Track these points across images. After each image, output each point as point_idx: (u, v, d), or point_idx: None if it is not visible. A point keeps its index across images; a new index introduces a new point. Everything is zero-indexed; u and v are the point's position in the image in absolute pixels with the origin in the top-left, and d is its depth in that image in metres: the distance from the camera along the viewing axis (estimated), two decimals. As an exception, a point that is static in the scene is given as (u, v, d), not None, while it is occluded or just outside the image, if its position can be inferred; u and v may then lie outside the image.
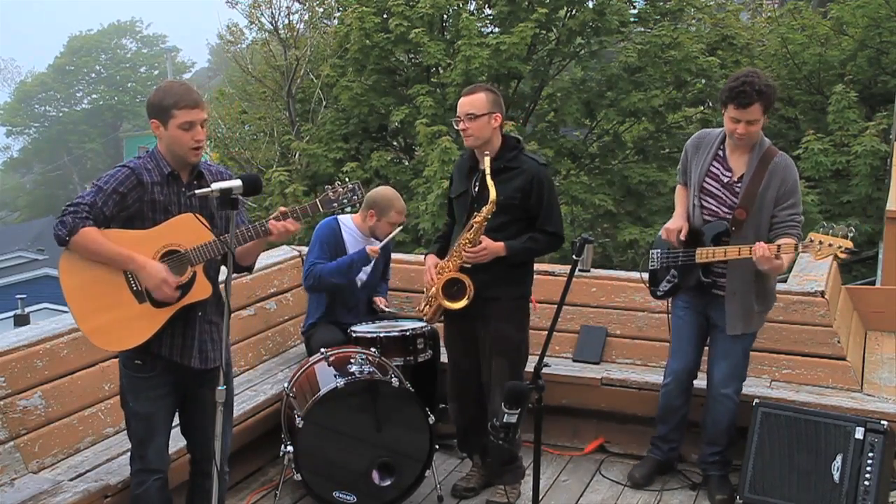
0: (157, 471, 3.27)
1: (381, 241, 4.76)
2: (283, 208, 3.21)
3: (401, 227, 4.73)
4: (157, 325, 3.13)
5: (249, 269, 3.47)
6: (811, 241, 3.72)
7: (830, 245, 3.67)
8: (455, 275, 4.05)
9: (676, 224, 4.14)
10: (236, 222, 3.20)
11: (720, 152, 4.09)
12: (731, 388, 4.16)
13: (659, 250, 4.28)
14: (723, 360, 4.16)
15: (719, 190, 4.05)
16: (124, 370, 3.27)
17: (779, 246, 3.77)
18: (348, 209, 3.29)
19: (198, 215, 3.15)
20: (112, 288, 3.09)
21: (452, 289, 4.06)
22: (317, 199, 3.25)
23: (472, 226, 3.97)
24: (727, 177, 4.04)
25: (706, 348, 4.30)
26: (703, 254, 4.02)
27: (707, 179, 4.08)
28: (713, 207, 4.06)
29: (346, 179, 3.31)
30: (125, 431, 3.96)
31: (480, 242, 3.96)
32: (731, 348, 4.13)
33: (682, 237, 4.09)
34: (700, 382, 4.33)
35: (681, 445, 4.43)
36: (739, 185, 4.00)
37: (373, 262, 4.83)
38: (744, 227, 3.96)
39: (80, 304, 3.12)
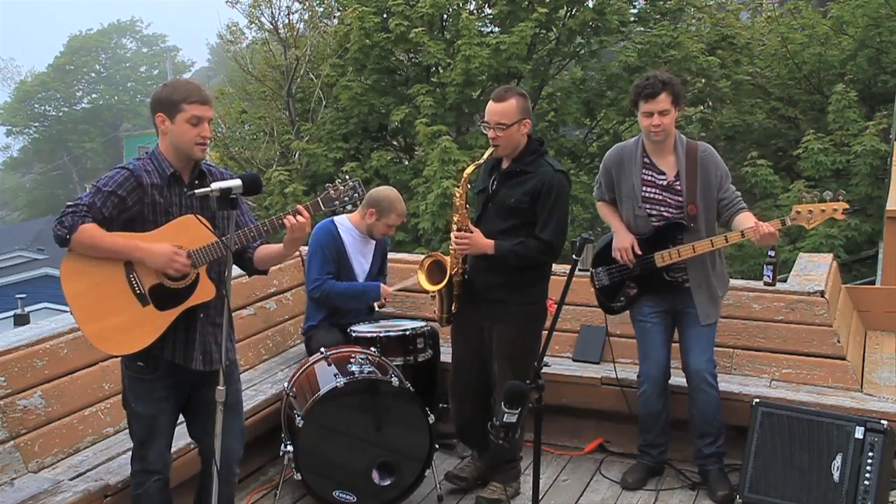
0: (157, 472, 3.27)
1: (376, 240, 4.83)
2: (300, 206, 3.19)
3: (412, 280, 4.74)
4: (162, 328, 3.11)
5: (265, 272, 3.46)
6: (798, 213, 3.79)
7: (823, 211, 3.68)
8: (439, 257, 4.12)
9: (626, 241, 4.18)
10: (244, 221, 3.23)
11: (646, 160, 4.17)
12: (710, 373, 4.20)
13: (602, 268, 4.35)
14: (697, 346, 4.21)
15: (660, 194, 4.13)
16: (126, 372, 3.25)
17: (781, 220, 3.90)
18: (349, 207, 3.29)
19: (199, 216, 3.13)
20: (115, 291, 3.08)
21: (436, 271, 4.13)
22: (318, 198, 3.23)
23: (457, 209, 4.01)
24: (662, 179, 4.13)
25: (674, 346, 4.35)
26: (663, 257, 4.11)
27: (644, 188, 4.16)
28: (659, 212, 4.14)
29: (347, 177, 3.30)
30: (125, 431, 3.98)
31: (469, 231, 3.98)
32: (703, 335, 4.20)
33: (638, 251, 4.16)
34: (677, 380, 4.34)
35: (668, 446, 4.44)
36: (678, 183, 4.09)
37: (370, 263, 4.85)
38: (697, 219, 4.08)
39: (82, 309, 3.10)
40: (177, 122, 3.10)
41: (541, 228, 3.96)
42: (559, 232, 3.98)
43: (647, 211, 4.14)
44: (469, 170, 4.04)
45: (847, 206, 3.74)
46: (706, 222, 4.08)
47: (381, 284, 4.77)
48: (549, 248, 3.97)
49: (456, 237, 4.00)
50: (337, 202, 3.23)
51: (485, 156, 4.05)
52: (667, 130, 4.05)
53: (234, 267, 3.26)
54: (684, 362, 4.27)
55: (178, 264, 3.06)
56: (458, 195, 4.03)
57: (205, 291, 3.14)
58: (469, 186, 4.07)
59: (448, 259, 4.10)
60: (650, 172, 4.15)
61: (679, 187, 4.08)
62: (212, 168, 3.29)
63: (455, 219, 4.03)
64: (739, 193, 4.15)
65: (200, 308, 3.17)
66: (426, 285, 4.17)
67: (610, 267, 4.31)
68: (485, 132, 4.02)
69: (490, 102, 3.97)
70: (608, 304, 4.40)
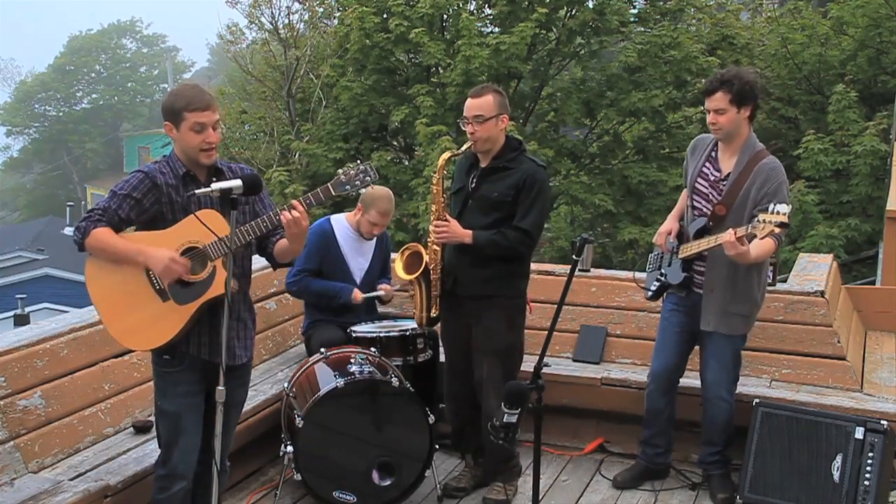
0: (181, 477, 3.30)
1: (367, 239, 4.82)
2: (294, 200, 3.20)
3: (382, 293, 4.82)
4: (183, 322, 3.17)
5: (289, 265, 3.54)
6: (758, 221, 3.62)
7: (770, 222, 3.55)
8: (418, 248, 4.16)
9: (665, 227, 4.28)
10: (268, 213, 3.25)
11: (713, 153, 4.16)
12: (722, 389, 4.18)
13: (654, 253, 4.39)
14: (712, 361, 4.19)
15: (707, 188, 4.13)
16: (154, 367, 3.33)
17: (746, 226, 3.72)
18: (362, 191, 3.27)
19: (199, 213, 3.16)
20: (136, 289, 3.16)
21: (414, 263, 4.17)
22: (328, 184, 3.21)
23: (434, 197, 4.04)
24: (715, 176, 4.11)
25: (695, 350, 4.33)
26: (685, 249, 4.11)
27: (699, 180, 4.16)
28: (701, 206, 4.13)
29: (358, 161, 3.28)
30: (125, 431, 4.01)
31: (447, 219, 4.00)
32: (720, 350, 4.15)
33: (672, 238, 4.20)
34: (694, 382, 4.35)
35: (668, 451, 4.43)
36: (725, 182, 4.06)
37: (370, 261, 4.86)
38: (724, 223, 3.96)
39: (107, 308, 3.21)
40: (182, 131, 3.17)
41: (520, 218, 4.00)
42: (538, 223, 4.05)
43: (695, 203, 4.15)
44: (445, 156, 4.09)
45: (783, 220, 3.52)
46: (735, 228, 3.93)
47: (355, 289, 4.75)
48: (528, 237, 4.03)
49: (435, 225, 4.02)
50: (348, 186, 3.20)
51: (462, 148, 4.08)
52: (725, 129, 4.00)
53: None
54: (701, 373, 4.28)
55: (172, 271, 3.12)
56: (434, 182, 4.05)
57: (223, 284, 3.14)
58: (446, 173, 4.10)
59: (422, 249, 4.14)
60: (710, 167, 4.14)
61: (723, 187, 4.05)
62: (231, 166, 3.34)
63: (433, 208, 4.06)
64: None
65: (223, 302, 3.17)
66: (402, 274, 4.19)
67: (657, 254, 4.36)
68: (463, 128, 4.06)
69: (468, 99, 4.04)
70: (645, 289, 4.40)
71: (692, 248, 4.07)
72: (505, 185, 4.01)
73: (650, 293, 4.32)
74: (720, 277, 4.05)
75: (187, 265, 3.13)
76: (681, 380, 4.37)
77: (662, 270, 4.25)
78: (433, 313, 4.18)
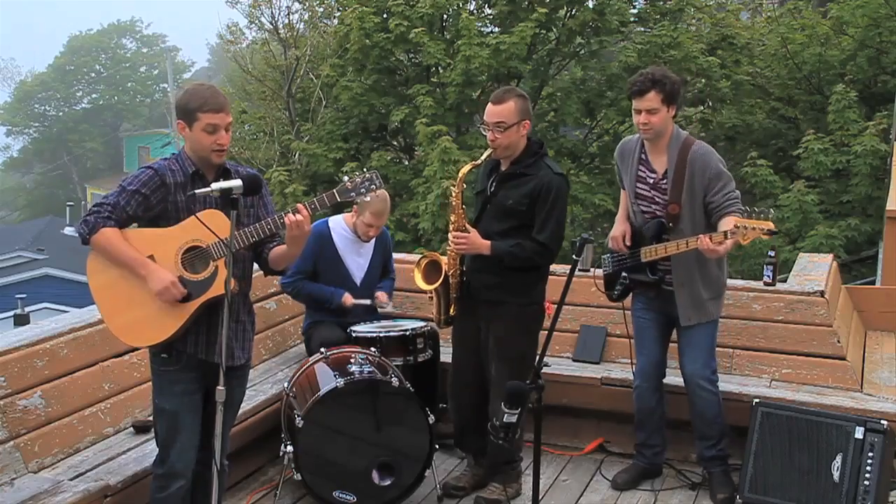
0: (179, 476, 3.30)
1: (364, 241, 4.82)
2: (299, 204, 3.23)
3: (368, 301, 4.78)
4: (182, 321, 3.18)
5: (281, 272, 3.52)
6: (736, 227, 3.75)
7: (754, 229, 3.70)
8: (436, 257, 4.15)
9: (618, 231, 4.27)
10: (272, 216, 3.28)
11: (642, 155, 4.18)
12: (704, 378, 4.19)
13: (610, 255, 4.39)
14: (689, 350, 4.21)
15: (649, 191, 4.15)
16: (152, 366, 3.34)
17: (724, 233, 3.82)
18: (367, 198, 3.31)
19: (202, 213, 3.16)
20: (138, 285, 3.17)
21: (432, 271, 4.16)
22: (334, 190, 3.26)
23: (454, 209, 4.02)
24: (652, 178, 4.13)
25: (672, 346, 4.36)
26: (648, 252, 4.12)
27: (638, 184, 4.18)
28: (650, 209, 4.15)
29: (364, 169, 3.32)
30: (125, 431, 4.01)
31: (466, 230, 3.98)
32: (695, 339, 4.17)
33: (628, 242, 4.21)
34: (674, 380, 4.35)
35: (665, 449, 4.44)
36: (665, 182, 4.07)
37: (369, 262, 4.85)
38: (680, 220, 4.03)
39: (107, 303, 3.22)
40: (194, 130, 3.20)
41: (538, 230, 3.96)
42: (556, 234, 3.99)
43: (641, 207, 4.17)
44: (465, 169, 4.05)
45: (771, 227, 3.69)
46: (692, 224, 4.02)
47: (345, 293, 4.75)
48: (546, 250, 3.98)
49: (454, 237, 4.01)
50: (353, 193, 3.25)
51: (482, 157, 4.05)
52: (655, 129, 4.02)
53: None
54: (680, 366, 4.28)
55: (169, 294, 3.14)
56: (454, 195, 4.03)
57: (223, 285, 3.14)
58: (465, 186, 4.07)
59: (444, 259, 4.12)
60: (644, 169, 4.16)
61: (665, 186, 4.07)
62: (238, 168, 3.36)
63: (452, 219, 4.04)
64: (737, 196, 4.00)
65: (223, 302, 3.17)
66: (422, 285, 4.18)
67: (613, 255, 4.36)
68: (484, 133, 4.01)
69: (489, 104, 3.97)
70: (608, 291, 4.42)
71: (657, 251, 4.08)
72: (519, 193, 3.97)
73: (615, 294, 4.36)
74: (688, 273, 4.09)
75: (183, 293, 3.15)
76: (670, 380, 4.37)
77: (624, 274, 4.27)
78: (451, 313, 4.18)
